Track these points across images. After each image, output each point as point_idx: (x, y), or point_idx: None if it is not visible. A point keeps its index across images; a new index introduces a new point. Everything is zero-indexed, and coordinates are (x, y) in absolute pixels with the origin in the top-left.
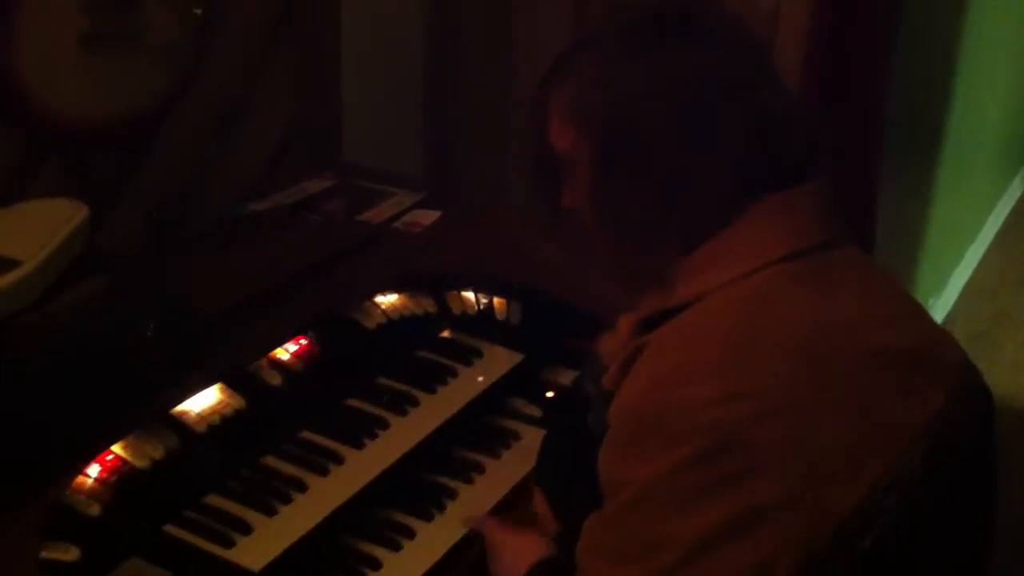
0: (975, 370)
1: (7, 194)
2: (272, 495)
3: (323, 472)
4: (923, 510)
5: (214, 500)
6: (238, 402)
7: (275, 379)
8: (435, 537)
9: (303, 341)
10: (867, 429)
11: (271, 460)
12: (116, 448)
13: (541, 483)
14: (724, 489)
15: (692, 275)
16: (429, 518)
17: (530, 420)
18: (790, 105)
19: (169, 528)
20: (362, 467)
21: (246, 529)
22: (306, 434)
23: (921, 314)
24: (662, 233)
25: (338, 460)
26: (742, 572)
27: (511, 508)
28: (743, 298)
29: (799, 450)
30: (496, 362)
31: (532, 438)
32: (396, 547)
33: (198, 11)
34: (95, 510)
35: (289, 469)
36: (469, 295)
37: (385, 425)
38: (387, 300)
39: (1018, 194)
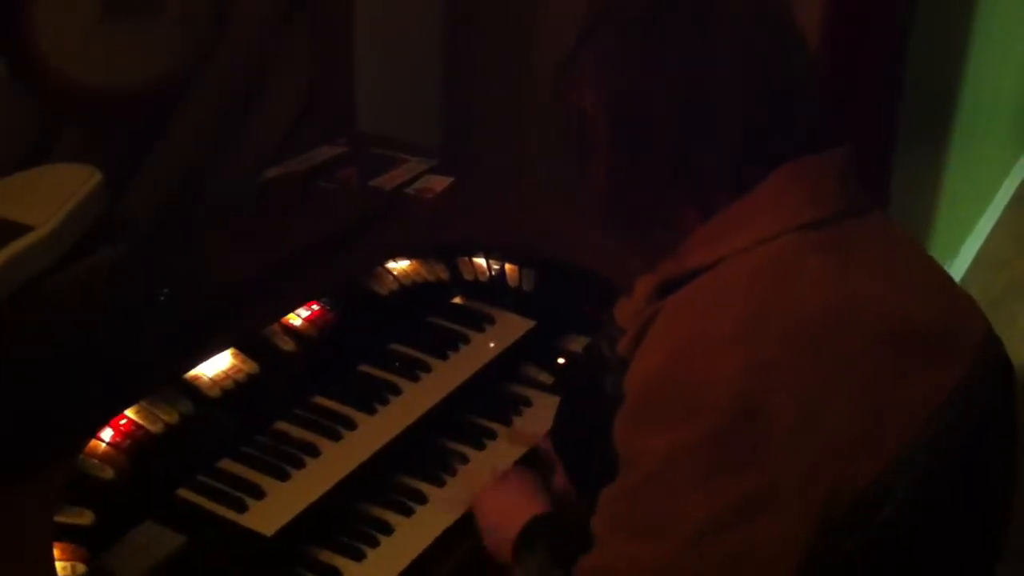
0: (998, 342)
1: (26, 164)
2: (285, 460)
3: (336, 437)
4: (937, 489)
5: (227, 465)
6: (251, 367)
7: (288, 345)
8: (446, 502)
9: (316, 307)
10: (878, 411)
11: (284, 425)
12: (130, 413)
13: (557, 446)
14: (736, 469)
15: (708, 241)
16: (441, 483)
17: (542, 387)
18: (800, 81)
19: (183, 492)
20: (374, 432)
21: (259, 494)
22: (319, 400)
23: (944, 285)
24: (660, 222)
25: (351, 425)
26: (753, 551)
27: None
28: (759, 267)
29: (810, 432)
30: (508, 328)
31: (544, 405)
32: (408, 512)
33: None
34: (109, 474)
35: (302, 434)
36: (481, 261)
37: (397, 391)
38: (399, 266)
39: None
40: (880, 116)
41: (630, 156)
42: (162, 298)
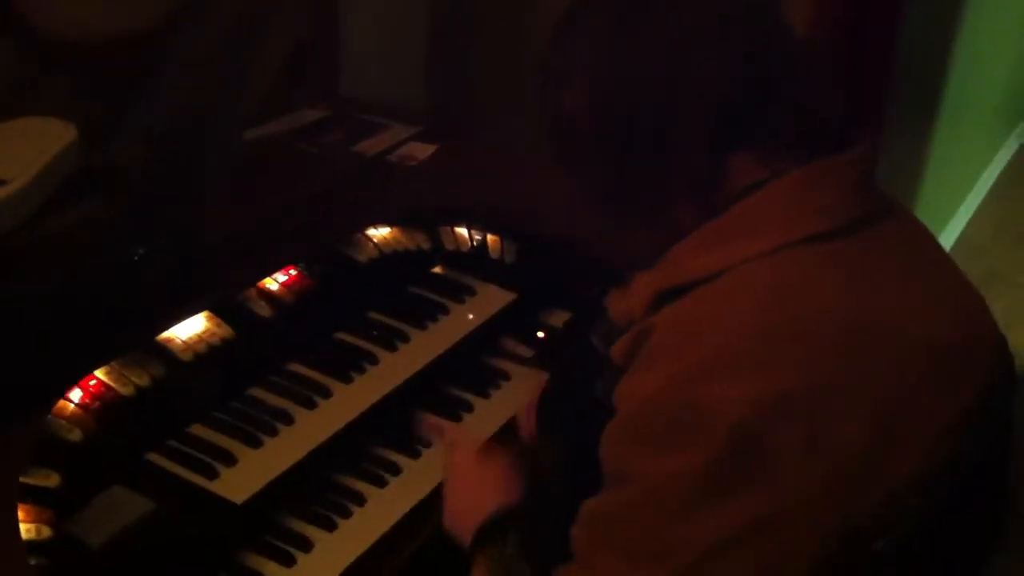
0: (1004, 345)
1: (13, 109)
2: (258, 427)
3: (310, 405)
4: (944, 508)
5: (199, 430)
6: (226, 331)
7: (264, 310)
8: (421, 474)
9: (293, 272)
10: (891, 433)
11: (258, 391)
12: (100, 374)
13: (542, 432)
14: (742, 493)
15: (710, 244)
16: (416, 455)
17: (521, 360)
18: (783, 69)
19: (152, 457)
20: (350, 401)
21: (230, 460)
22: (294, 366)
23: (957, 292)
24: (655, 218)
25: (326, 394)
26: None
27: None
28: (768, 283)
29: (820, 454)
30: (488, 300)
31: (522, 379)
32: (381, 483)
33: None
34: (77, 436)
35: (276, 401)
36: (463, 231)
37: (374, 360)
38: (380, 234)
39: (1013, 150)
40: (871, 103)
41: (617, 148)
42: (136, 257)
